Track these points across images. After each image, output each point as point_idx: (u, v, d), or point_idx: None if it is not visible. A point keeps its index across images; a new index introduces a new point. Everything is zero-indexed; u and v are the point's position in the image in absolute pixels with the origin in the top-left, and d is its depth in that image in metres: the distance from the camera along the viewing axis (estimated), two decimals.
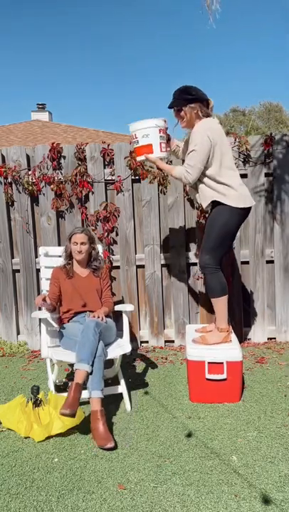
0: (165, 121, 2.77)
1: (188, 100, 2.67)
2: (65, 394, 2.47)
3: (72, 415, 2.26)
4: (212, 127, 2.66)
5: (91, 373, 2.39)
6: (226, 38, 56.84)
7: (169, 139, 2.89)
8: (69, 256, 2.94)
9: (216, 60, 56.14)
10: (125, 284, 3.75)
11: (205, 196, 2.75)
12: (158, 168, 2.84)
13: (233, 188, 2.69)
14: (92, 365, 2.40)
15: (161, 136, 2.74)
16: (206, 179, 2.72)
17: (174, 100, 2.73)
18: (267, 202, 3.67)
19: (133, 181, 3.70)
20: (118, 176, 3.65)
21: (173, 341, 3.82)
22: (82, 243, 2.88)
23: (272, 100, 29.76)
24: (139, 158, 2.82)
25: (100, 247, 3.24)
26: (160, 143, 2.74)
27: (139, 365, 3.39)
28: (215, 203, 2.75)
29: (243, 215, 2.75)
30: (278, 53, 48.43)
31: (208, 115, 2.71)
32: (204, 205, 2.78)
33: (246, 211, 2.77)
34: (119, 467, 2.07)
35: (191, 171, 2.67)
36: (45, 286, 3.14)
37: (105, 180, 3.70)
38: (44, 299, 2.65)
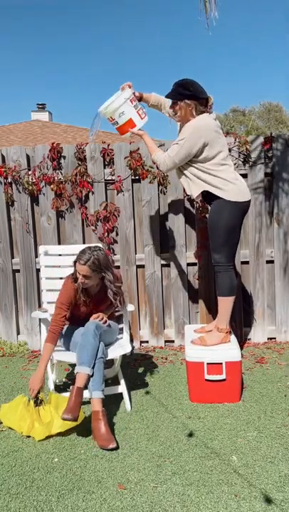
0: (130, 87, 2.74)
1: (185, 96, 2.65)
2: (66, 394, 2.47)
3: (74, 420, 2.26)
4: (207, 125, 2.64)
5: (92, 375, 2.39)
6: (226, 38, 56.89)
7: (140, 98, 2.87)
8: (77, 279, 2.57)
9: (216, 60, 56.21)
10: (125, 284, 3.74)
11: (197, 185, 2.74)
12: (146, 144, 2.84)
13: (230, 182, 2.69)
14: (93, 368, 2.39)
15: (134, 106, 2.72)
16: (200, 173, 2.70)
17: (171, 92, 2.71)
18: (266, 201, 3.67)
19: (133, 181, 3.70)
20: (118, 176, 3.65)
21: (173, 341, 3.82)
22: (84, 276, 2.51)
23: (272, 100, 29.85)
24: (124, 136, 2.82)
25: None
26: (137, 112, 2.72)
27: (139, 365, 3.39)
28: (212, 199, 2.74)
29: (243, 208, 2.76)
30: (278, 53, 48.53)
31: (203, 113, 2.69)
32: (195, 194, 2.76)
33: (246, 204, 2.77)
34: (119, 467, 2.07)
35: (169, 161, 2.70)
36: (45, 285, 3.14)
37: (105, 180, 3.70)
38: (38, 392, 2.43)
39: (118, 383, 2.69)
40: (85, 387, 2.37)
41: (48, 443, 2.30)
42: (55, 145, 3.67)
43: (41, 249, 3.24)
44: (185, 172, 2.77)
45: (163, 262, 3.75)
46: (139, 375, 3.20)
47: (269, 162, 3.64)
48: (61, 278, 3.01)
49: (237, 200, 2.69)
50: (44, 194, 3.72)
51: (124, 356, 2.89)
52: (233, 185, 2.69)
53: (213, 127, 2.66)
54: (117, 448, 2.21)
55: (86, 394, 2.41)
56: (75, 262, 2.54)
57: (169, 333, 3.83)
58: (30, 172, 3.71)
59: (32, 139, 12.66)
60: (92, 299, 2.68)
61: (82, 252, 2.53)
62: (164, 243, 3.74)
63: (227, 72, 54.97)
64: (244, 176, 3.53)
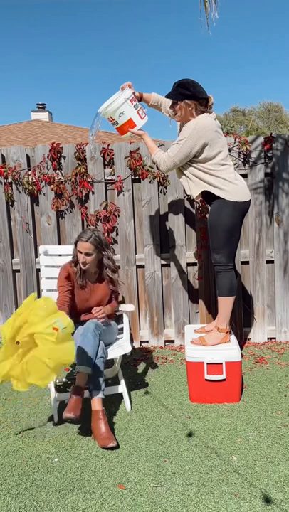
0: (130, 87, 2.74)
1: (185, 96, 2.64)
2: (65, 394, 2.47)
3: (76, 419, 2.25)
4: (207, 125, 2.63)
5: (92, 374, 2.39)
6: (226, 38, 56.93)
7: (141, 98, 2.86)
8: (77, 261, 2.70)
9: (215, 60, 56.26)
10: (125, 284, 3.75)
11: (197, 185, 2.74)
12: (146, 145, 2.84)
13: (231, 182, 2.69)
14: (94, 367, 2.40)
15: (134, 106, 2.72)
16: (201, 173, 2.70)
17: (172, 92, 2.71)
18: (266, 201, 3.68)
19: (133, 181, 3.70)
20: (118, 176, 3.65)
21: (173, 341, 3.82)
22: (86, 254, 2.63)
23: (273, 100, 29.90)
24: (124, 136, 2.81)
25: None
26: (137, 112, 2.72)
27: (139, 365, 3.39)
28: (212, 199, 2.74)
29: (243, 208, 2.76)
30: (278, 53, 48.60)
31: (203, 113, 2.68)
32: (195, 195, 2.76)
33: (246, 204, 2.77)
34: (119, 467, 2.07)
35: (169, 162, 2.70)
36: (45, 285, 3.14)
37: (105, 180, 3.70)
38: None
39: (118, 383, 2.69)
40: (86, 386, 2.37)
41: (48, 443, 2.30)
42: (55, 145, 3.67)
43: (41, 249, 3.24)
44: (185, 172, 2.77)
45: (163, 262, 3.75)
46: (139, 375, 3.20)
47: (269, 162, 3.64)
48: None
49: (237, 200, 2.69)
50: (44, 194, 3.72)
51: (124, 356, 2.90)
52: (233, 185, 2.69)
53: (213, 127, 2.66)
54: (117, 447, 2.21)
55: (86, 394, 2.41)
56: (76, 243, 2.67)
57: (169, 333, 3.83)
58: (30, 172, 3.71)
59: (32, 139, 12.67)
60: (90, 283, 2.75)
61: (84, 231, 2.70)
62: (164, 243, 3.74)
63: (227, 72, 55.05)
64: (244, 175, 3.54)
